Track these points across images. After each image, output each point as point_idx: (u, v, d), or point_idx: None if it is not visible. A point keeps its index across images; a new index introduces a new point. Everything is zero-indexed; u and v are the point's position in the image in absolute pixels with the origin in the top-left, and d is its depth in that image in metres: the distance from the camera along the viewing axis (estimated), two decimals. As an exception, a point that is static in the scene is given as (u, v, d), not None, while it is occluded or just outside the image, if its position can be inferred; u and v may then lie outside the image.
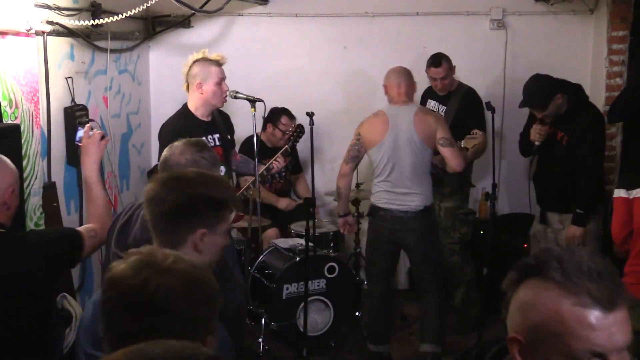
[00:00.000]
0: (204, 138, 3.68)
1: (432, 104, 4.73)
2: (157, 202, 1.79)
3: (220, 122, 3.87)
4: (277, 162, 4.02)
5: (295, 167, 5.02)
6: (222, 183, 1.95)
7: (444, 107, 4.66)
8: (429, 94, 4.81)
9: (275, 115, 4.79)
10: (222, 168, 3.80)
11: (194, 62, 3.66)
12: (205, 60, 3.65)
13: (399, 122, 3.85)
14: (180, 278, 1.22)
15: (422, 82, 4.89)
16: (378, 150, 3.89)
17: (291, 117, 4.77)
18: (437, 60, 4.55)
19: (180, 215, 1.78)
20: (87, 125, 2.92)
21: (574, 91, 4.11)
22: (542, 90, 3.99)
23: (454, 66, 4.63)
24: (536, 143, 4.11)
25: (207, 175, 1.92)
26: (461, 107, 4.58)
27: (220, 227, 1.85)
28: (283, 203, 4.88)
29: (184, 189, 1.80)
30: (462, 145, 4.24)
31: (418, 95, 4.95)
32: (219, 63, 3.66)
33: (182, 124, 3.67)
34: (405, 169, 3.87)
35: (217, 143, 3.76)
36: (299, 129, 4.30)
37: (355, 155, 4.01)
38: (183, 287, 1.20)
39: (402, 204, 3.88)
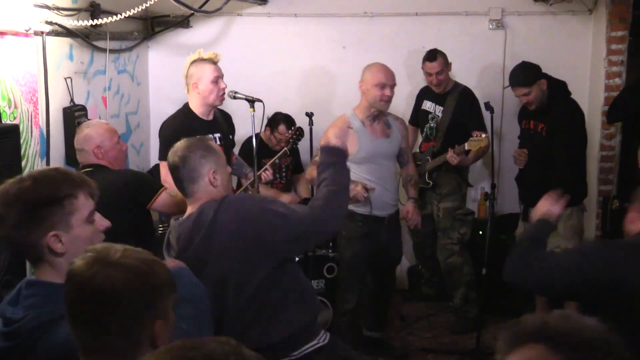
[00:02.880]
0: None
1: (428, 104, 4.73)
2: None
3: (222, 121, 3.87)
4: (266, 174, 4.02)
5: (296, 167, 5.01)
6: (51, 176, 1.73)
7: (440, 107, 4.66)
8: (424, 94, 4.81)
9: (275, 122, 4.79)
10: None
11: (191, 63, 3.68)
12: (200, 60, 3.67)
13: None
14: (124, 271, 1.37)
15: (421, 82, 4.90)
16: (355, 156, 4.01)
17: (289, 126, 4.76)
18: (433, 54, 4.56)
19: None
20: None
21: (557, 85, 4.22)
22: (528, 70, 4.18)
23: (450, 63, 4.63)
24: (518, 166, 4.38)
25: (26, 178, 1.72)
26: (458, 108, 4.58)
27: (73, 220, 1.69)
28: (286, 199, 4.87)
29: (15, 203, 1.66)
30: (466, 148, 4.24)
31: (413, 96, 4.97)
32: (212, 61, 3.67)
33: (182, 122, 3.67)
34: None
35: (218, 143, 3.76)
36: (299, 132, 4.30)
37: None
38: (126, 279, 1.36)
39: None
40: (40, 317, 1.59)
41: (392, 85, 3.89)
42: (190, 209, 2.55)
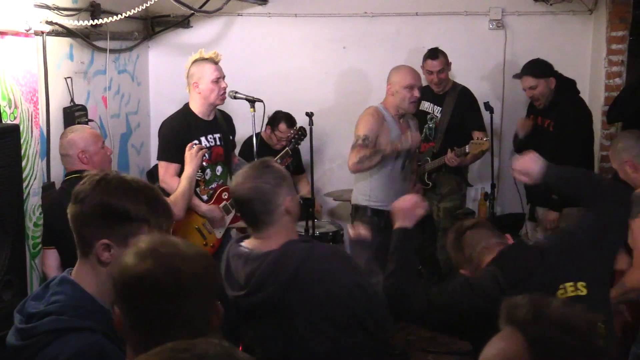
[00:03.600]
0: (203, 137, 3.69)
1: (426, 105, 4.72)
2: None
3: (223, 122, 3.87)
4: None
5: (297, 167, 5.01)
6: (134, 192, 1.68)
7: (439, 107, 4.66)
8: (423, 94, 4.77)
9: (275, 120, 4.79)
10: (219, 167, 3.81)
11: (192, 63, 3.67)
12: (201, 59, 3.67)
13: None
14: (191, 262, 1.35)
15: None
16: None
17: (290, 125, 4.75)
18: (434, 53, 4.56)
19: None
20: (190, 143, 3.56)
21: (567, 84, 4.28)
22: (542, 65, 4.26)
23: (450, 62, 4.64)
24: (519, 135, 4.27)
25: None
26: (457, 108, 4.58)
27: (131, 241, 1.57)
28: None
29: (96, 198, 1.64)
30: (467, 151, 4.24)
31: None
32: (213, 61, 3.67)
33: (181, 122, 3.67)
34: None
35: (218, 143, 3.76)
36: (301, 132, 4.30)
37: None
38: (196, 269, 1.35)
39: None
40: (57, 323, 1.55)
41: (420, 87, 4.00)
42: (261, 244, 2.17)
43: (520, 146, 4.28)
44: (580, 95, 4.35)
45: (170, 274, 1.33)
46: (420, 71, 4.72)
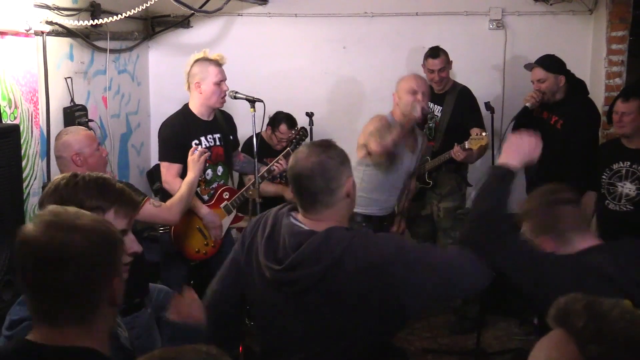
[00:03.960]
0: (203, 138, 3.69)
1: None
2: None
3: (223, 122, 3.87)
4: (279, 165, 4.00)
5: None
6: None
7: (439, 107, 4.66)
8: None
9: (276, 121, 4.79)
10: (220, 168, 3.81)
11: (195, 61, 3.66)
12: (205, 59, 3.65)
13: None
14: (83, 233, 1.36)
15: (422, 82, 4.90)
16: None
17: (291, 125, 4.75)
18: (435, 51, 4.56)
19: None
20: (193, 147, 3.51)
21: (577, 83, 4.28)
22: (555, 60, 4.24)
23: (451, 61, 4.64)
24: (526, 104, 4.18)
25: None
26: (457, 107, 4.57)
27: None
28: (290, 192, 4.84)
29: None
30: (467, 147, 4.23)
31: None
32: (218, 63, 3.66)
33: (181, 122, 3.67)
34: None
35: (218, 143, 3.76)
36: (302, 132, 4.30)
37: None
38: (87, 241, 1.35)
39: None
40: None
41: (424, 93, 3.81)
42: (313, 225, 2.02)
43: (519, 113, 4.21)
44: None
45: (53, 243, 1.34)
46: (420, 71, 4.74)
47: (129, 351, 1.72)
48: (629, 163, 3.97)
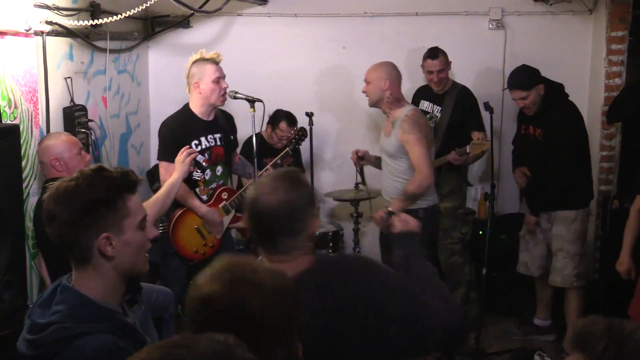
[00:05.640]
0: (203, 138, 3.69)
1: (425, 104, 4.72)
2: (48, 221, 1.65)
3: (224, 122, 3.87)
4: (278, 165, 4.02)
5: (297, 167, 5.02)
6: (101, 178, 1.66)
7: (438, 107, 4.66)
8: (422, 94, 4.78)
9: (276, 119, 4.79)
10: (219, 168, 3.81)
11: (193, 63, 3.67)
12: (201, 60, 3.66)
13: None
14: (270, 292, 1.28)
15: (421, 82, 4.90)
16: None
17: (291, 123, 4.75)
18: (434, 52, 4.56)
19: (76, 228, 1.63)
20: (184, 148, 3.37)
21: (554, 88, 4.21)
22: (528, 73, 4.16)
23: (450, 61, 4.63)
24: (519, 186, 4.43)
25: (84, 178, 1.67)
26: (456, 107, 4.57)
27: (126, 224, 1.65)
28: None
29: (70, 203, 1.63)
30: (468, 151, 4.24)
31: (410, 96, 4.97)
32: (214, 61, 3.67)
33: (181, 122, 3.67)
34: None
35: (219, 143, 3.76)
36: (301, 132, 4.30)
37: None
38: (276, 300, 1.28)
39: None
40: (62, 331, 1.56)
41: (366, 80, 3.88)
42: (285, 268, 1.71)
43: (515, 158, 4.43)
44: (573, 96, 4.29)
45: (238, 301, 1.27)
46: (420, 71, 4.75)
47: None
48: None
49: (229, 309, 1.26)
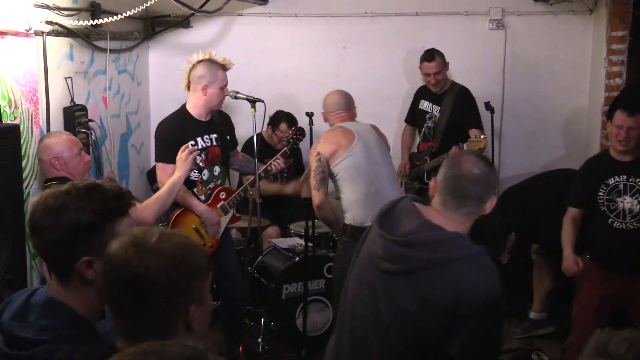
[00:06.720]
0: (199, 138, 3.68)
1: (425, 104, 4.72)
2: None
3: (220, 122, 3.86)
4: (276, 164, 4.00)
5: (297, 168, 5.01)
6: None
7: (437, 107, 4.66)
8: (421, 94, 4.80)
9: (276, 120, 4.79)
10: (217, 168, 3.81)
11: (199, 62, 3.63)
12: (212, 62, 3.61)
13: (360, 131, 3.70)
14: (158, 256, 1.38)
15: (420, 82, 4.90)
16: (350, 159, 3.62)
17: (291, 124, 4.75)
18: (431, 54, 4.56)
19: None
20: (184, 146, 3.39)
21: None
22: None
23: (448, 62, 4.64)
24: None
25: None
26: (455, 107, 4.58)
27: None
28: (290, 188, 4.84)
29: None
30: (465, 149, 4.24)
31: (410, 96, 4.97)
32: (225, 68, 3.65)
33: (177, 124, 3.66)
34: (384, 176, 3.69)
35: (215, 143, 3.75)
36: (299, 132, 4.30)
37: (323, 177, 3.66)
38: (160, 264, 1.37)
39: None
40: (55, 353, 1.47)
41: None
42: (440, 221, 2.08)
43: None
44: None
45: (141, 267, 1.36)
46: (419, 71, 4.75)
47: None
48: (625, 177, 3.48)
49: (117, 268, 1.38)
